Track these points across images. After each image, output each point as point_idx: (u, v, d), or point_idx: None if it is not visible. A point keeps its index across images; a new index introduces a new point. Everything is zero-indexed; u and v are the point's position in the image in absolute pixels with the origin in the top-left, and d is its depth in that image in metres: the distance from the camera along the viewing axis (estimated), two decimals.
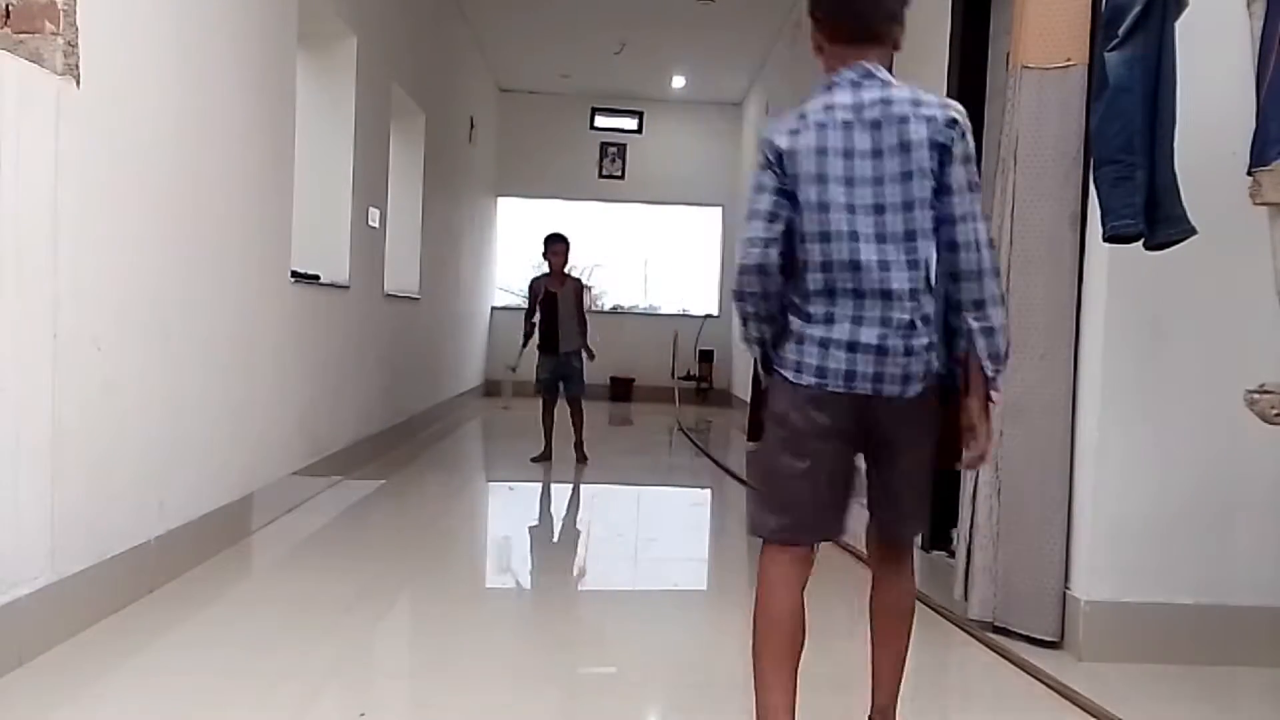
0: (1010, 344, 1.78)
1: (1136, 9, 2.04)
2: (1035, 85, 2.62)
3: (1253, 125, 1.85)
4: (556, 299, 5.53)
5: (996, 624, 2.66)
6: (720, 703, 2.23)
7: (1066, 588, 2.59)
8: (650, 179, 10.55)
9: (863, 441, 1.80)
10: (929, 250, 1.72)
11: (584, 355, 5.63)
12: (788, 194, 1.73)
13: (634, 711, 2.23)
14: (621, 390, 10.15)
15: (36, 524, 2.24)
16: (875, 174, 1.70)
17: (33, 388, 2.21)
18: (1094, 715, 2.17)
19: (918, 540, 3.75)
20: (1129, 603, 2.53)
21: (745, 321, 1.81)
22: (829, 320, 1.72)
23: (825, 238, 1.71)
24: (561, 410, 5.60)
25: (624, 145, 10.57)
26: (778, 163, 1.74)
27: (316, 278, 4.35)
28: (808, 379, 1.73)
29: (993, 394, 1.76)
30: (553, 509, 4.83)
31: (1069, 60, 2.57)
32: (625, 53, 8.63)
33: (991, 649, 2.59)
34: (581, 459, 5.48)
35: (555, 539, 4.18)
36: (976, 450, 1.79)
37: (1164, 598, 2.54)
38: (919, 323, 1.71)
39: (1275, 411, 1.78)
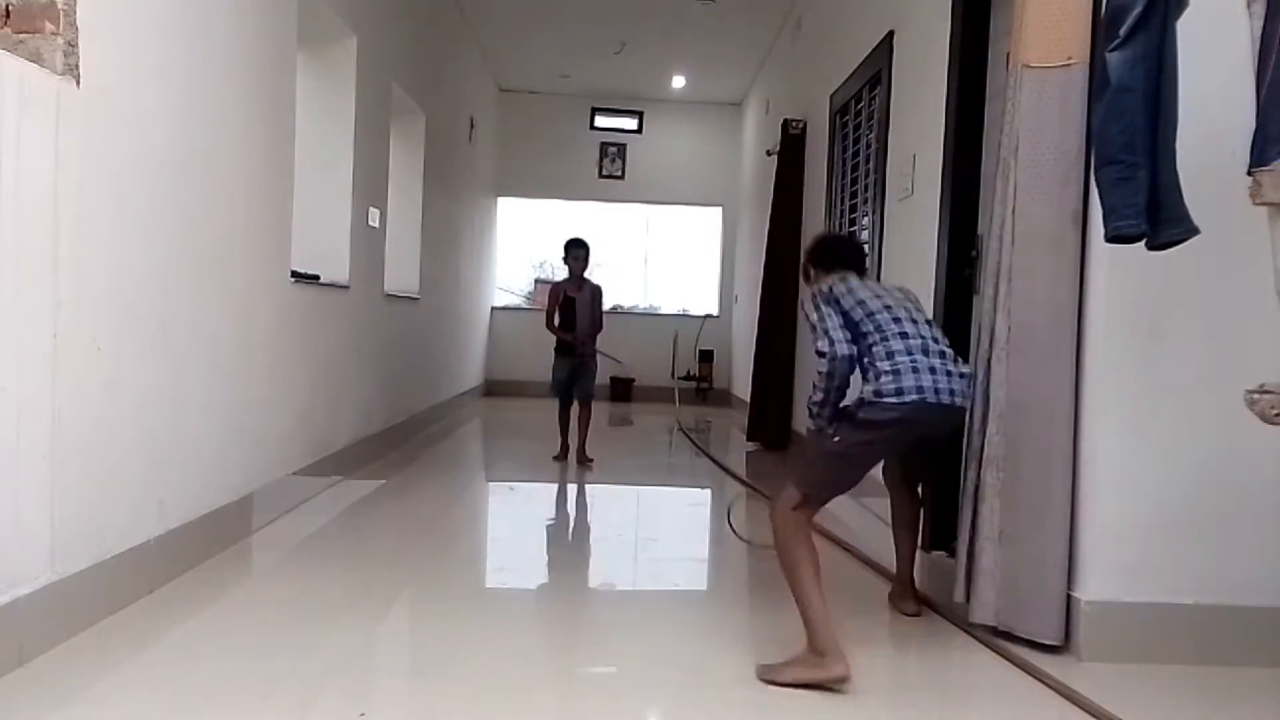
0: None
1: (1138, 9, 2.03)
2: (1035, 85, 2.61)
3: (1253, 125, 1.85)
4: (575, 303, 5.68)
5: (999, 626, 2.65)
6: (720, 703, 2.23)
7: (1069, 589, 2.59)
8: (650, 179, 10.55)
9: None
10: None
11: (598, 358, 5.81)
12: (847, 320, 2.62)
13: (634, 711, 2.23)
14: (621, 390, 10.15)
15: (36, 524, 2.24)
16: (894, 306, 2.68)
17: (33, 387, 2.21)
18: (1096, 716, 2.17)
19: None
20: (1131, 603, 2.53)
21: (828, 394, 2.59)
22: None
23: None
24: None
25: (624, 145, 10.57)
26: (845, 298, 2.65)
27: (316, 278, 4.35)
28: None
29: None
30: (553, 509, 4.83)
31: (1069, 60, 2.56)
32: (625, 53, 8.63)
33: (993, 650, 2.59)
34: (583, 461, 5.59)
35: (555, 539, 4.18)
36: None
37: (1165, 598, 2.54)
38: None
39: (1275, 411, 1.78)
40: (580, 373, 5.69)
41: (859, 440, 2.50)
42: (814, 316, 2.64)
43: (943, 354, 2.58)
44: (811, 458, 2.64)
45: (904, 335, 2.57)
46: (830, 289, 2.69)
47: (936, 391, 2.47)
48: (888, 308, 2.63)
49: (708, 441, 7.37)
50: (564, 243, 5.79)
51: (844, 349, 2.54)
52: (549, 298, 5.88)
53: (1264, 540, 2.55)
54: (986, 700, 2.38)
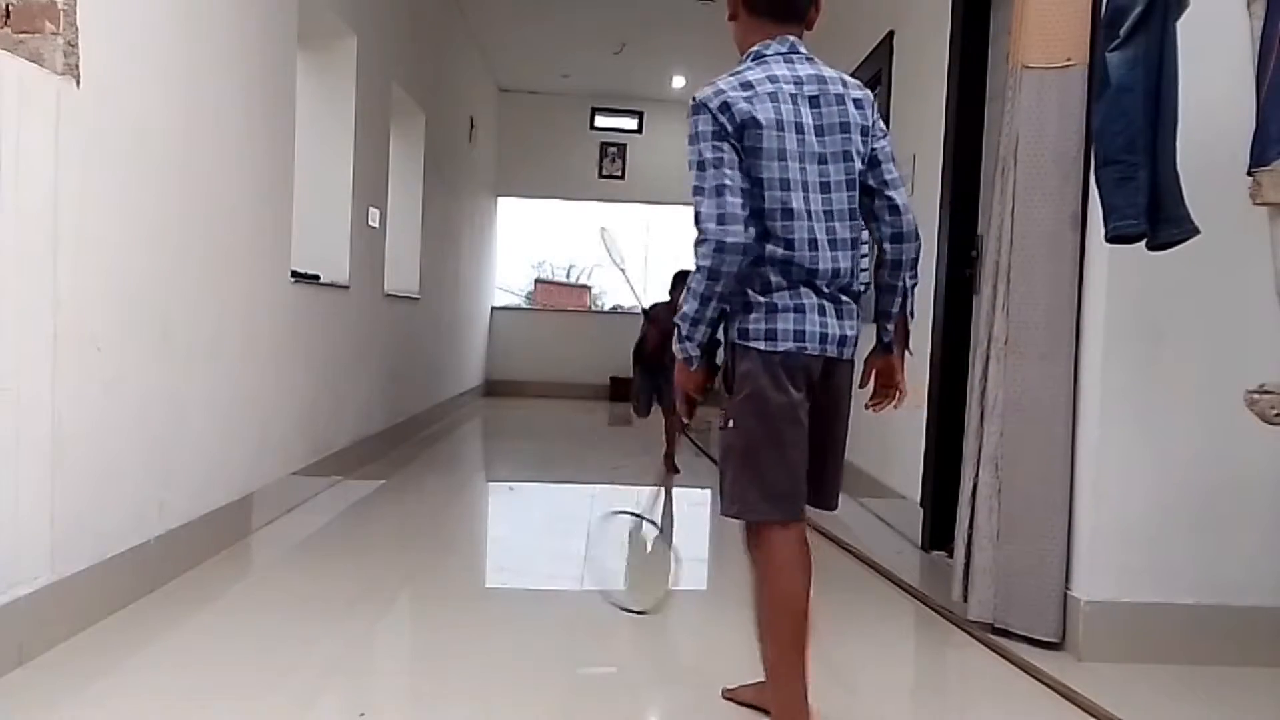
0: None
1: (1138, 9, 2.04)
2: (1035, 85, 2.62)
3: (1253, 125, 1.85)
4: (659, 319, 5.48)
5: (996, 625, 2.66)
6: (720, 703, 2.23)
7: (1067, 588, 2.59)
8: (650, 179, 10.54)
9: (811, 408, 1.84)
10: (861, 229, 1.84)
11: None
12: (744, 168, 1.74)
13: (634, 711, 2.23)
14: (621, 390, 10.15)
15: (36, 524, 2.24)
16: (820, 150, 1.77)
17: (33, 387, 2.21)
18: (1094, 715, 2.17)
19: (917, 536, 3.76)
20: (1129, 603, 2.53)
21: (708, 301, 1.77)
22: (795, 287, 1.77)
23: (789, 214, 1.75)
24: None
25: (624, 145, 10.56)
26: (738, 133, 1.73)
27: (316, 278, 4.35)
28: (786, 345, 1.77)
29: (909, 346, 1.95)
30: (553, 509, 4.83)
31: (1069, 60, 2.57)
32: (625, 53, 8.62)
33: (991, 649, 2.59)
34: (672, 469, 5.30)
35: (555, 539, 4.18)
36: (900, 399, 1.95)
37: (1164, 598, 2.54)
38: (858, 293, 1.85)
39: (1275, 411, 1.78)
40: (662, 384, 5.18)
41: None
42: (692, 153, 1.76)
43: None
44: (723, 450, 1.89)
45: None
46: (723, 98, 1.73)
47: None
48: (818, 183, 1.76)
49: (708, 441, 7.36)
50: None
51: (737, 229, 1.70)
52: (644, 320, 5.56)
53: (1263, 540, 2.55)
54: (984, 699, 2.38)
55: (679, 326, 1.84)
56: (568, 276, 20.52)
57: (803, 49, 1.83)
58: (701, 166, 1.73)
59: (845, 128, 1.78)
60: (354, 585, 3.01)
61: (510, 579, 3.44)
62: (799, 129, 1.75)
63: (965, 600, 2.74)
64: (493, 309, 10.39)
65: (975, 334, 3.01)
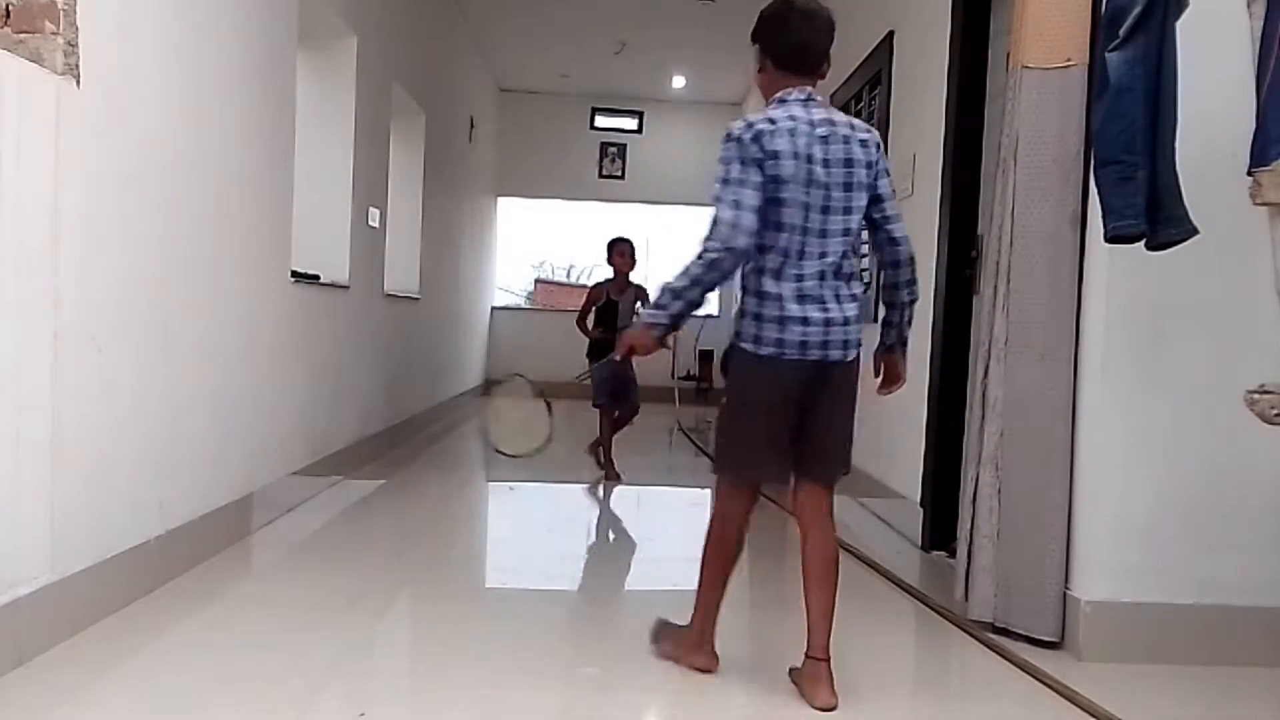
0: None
1: (1138, 9, 2.03)
2: (1035, 85, 2.62)
3: (1253, 125, 1.85)
4: (617, 307, 5.15)
5: (997, 624, 2.66)
6: (721, 703, 2.23)
7: (1067, 588, 2.59)
8: (650, 179, 10.54)
9: (806, 400, 2.15)
10: (856, 245, 2.18)
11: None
12: (765, 189, 2.07)
13: (634, 711, 2.23)
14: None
15: (36, 524, 2.24)
16: (826, 180, 2.09)
17: (33, 387, 2.21)
18: (1094, 715, 2.17)
19: (917, 536, 3.76)
20: (1129, 603, 2.53)
21: (697, 285, 2.07)
22: (781, 299, 2.09)
23: (792, 229, 2.08)
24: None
25: (624, 145, 10.56)
26: (763, 161, 2.06)
27: (316, 278, 4.35)
28: (767, 350, 2.10)
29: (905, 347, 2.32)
30: (552, 509, 4.83)
31: (1069, 60, 2.57)
32: (625, 53, 8.63)
33: (992, 649, 2.59)
34: (612, 476, 5.17)
35: (555, 539, 4.18)
36: (899, 386, 2.37)
37: (1164, 598, 2.54)
38: (853, 301, 2.15)
39: (1275, 411, 1.78)
40: (623, 382, 5.09)
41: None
42: (720, 170, 2.08)
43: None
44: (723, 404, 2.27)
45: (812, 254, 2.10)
46: (754, 130, 2.06)
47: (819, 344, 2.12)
48: (821, 206, 2.08)
49: (708, 441, 7.37)
50: (607, 241, 5.30)
51: (744, 239, 2.03)
52: (586, 298, 5.31)
53: (1263, 540, 2.55)
54: (984, 698, 2.38)
55: (659, 293, 2.11)
56: (568, 276, 20.52)
57: (818, 97, 2.16)
58: (726, 181, 2.06)
59: (849, 162, 2.10)
60: (354, 585, 3.01)
61: (510, 579, 3.44)
62: (809, 159, 2.06)
63: (966, 600, 2.74)
64: (493, 309, 10.40)
65: (975, 334, 3.01)
